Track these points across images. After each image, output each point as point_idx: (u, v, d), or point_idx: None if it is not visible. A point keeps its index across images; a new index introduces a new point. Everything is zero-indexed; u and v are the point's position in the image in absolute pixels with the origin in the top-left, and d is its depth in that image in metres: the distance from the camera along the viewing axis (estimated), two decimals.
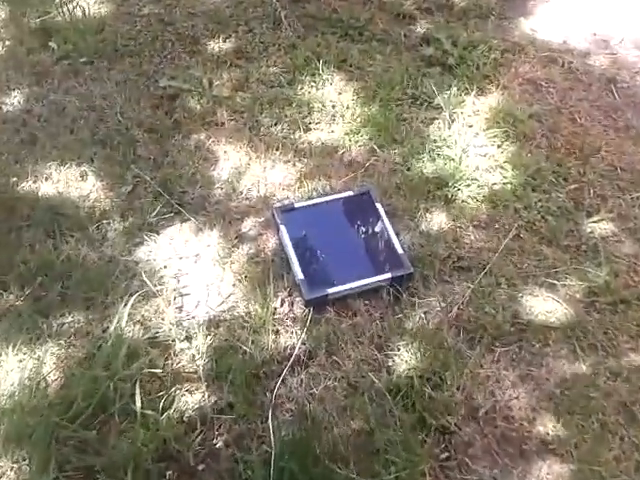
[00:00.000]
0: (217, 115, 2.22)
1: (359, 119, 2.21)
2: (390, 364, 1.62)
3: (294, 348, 1.65)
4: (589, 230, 1.91)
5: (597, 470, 1.44)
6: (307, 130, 2.19)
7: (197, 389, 1.57)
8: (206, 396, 1.56)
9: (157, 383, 1.56)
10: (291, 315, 1.74)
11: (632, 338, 1.67)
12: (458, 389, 1.56)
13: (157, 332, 1.66)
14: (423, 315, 1.72)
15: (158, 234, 1.89)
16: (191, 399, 1.55)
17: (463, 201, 1.99)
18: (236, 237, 1.89)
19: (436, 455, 1.46)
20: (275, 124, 2.19)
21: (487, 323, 1.69)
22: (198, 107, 2.26)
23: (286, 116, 2.21)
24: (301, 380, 1.60)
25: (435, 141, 2.15)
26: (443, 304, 1.74)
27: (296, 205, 1.88)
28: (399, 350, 1.64)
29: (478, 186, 2.02)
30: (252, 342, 1.65)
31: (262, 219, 1.94)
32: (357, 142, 2.16)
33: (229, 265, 1.83)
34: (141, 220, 1.92)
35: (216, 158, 2.11)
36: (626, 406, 1.54)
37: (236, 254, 1.85)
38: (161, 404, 1.50)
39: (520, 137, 2.16)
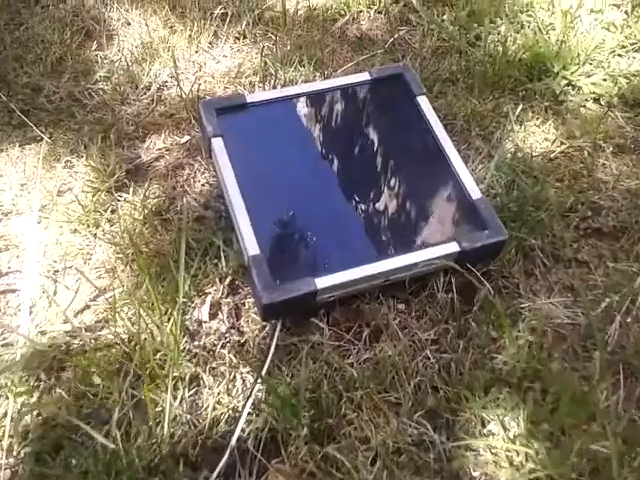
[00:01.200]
0: None
1: None
2: (464, 461, 0.67)
3: (235, 423, 0.69)
4: None
5: None
6: None
7: None
8: None
9: None
10: (232, 339, 0.77)
11: None
12: None
13: None
14: (533, 339, 0.76)
15: None
16: None
17: (583, 103, 1.02)
18: (126, 171, 0.91)
19: None
20: None
21: None
22: None
23: None
24: None
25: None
26: (574, 311, 0.78)
27: (249, 99, 0.88)
28: (484, 425, 0.69)
29: (607, 76, 1.05)
30: (127, 417, 0.69)
31: (185, 138, 0.97)
32: (373, 4, 1.17)
33: (104, 229, 0.86)
34: None
35: (108, 31, 1.12)
36: None
37: (121, 206, 0.88)
38: None
39: None
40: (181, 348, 0.74)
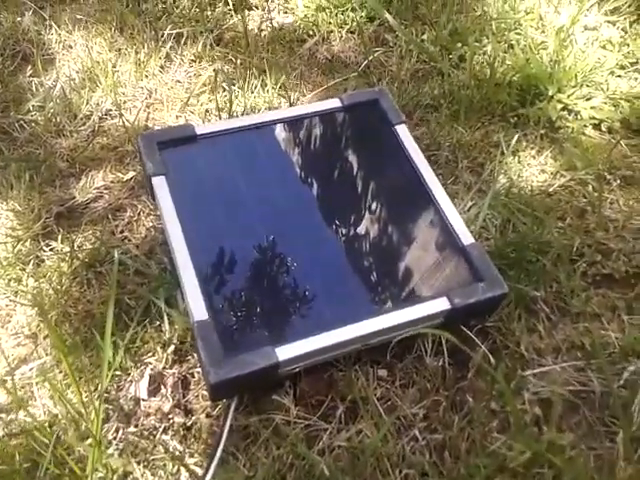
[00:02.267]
0: None
1: None
2: None
3: None
4: None
5: None
6: (242, 5, 1.09)
7: None
8: None
9: None
10: (177, 422, 0.63)
11: None
12: None
13: None
14: (541, 412, 0.63)
15: None
16: None
17: (581, 130, 0.91)
18: (56, 214, 0.77)
19: None
20: None
21: None
22: None
23: None
24: None
25: (505, 14, 1.06)
26: (593, 380, 0.65)
27: (198, 130, 0.75)
28: None
29: (607, 99, 0.94)
30: None
31: (129, 174, 0.83)
32: (344, 24, 1.06)
33: (26, 285, 0.71)
34: None
35: (48, 55, 1.00)
36: None
37: (47, 257, 0.74)
38: None
39: None
40: (109, 438, 0.60)
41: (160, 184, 0.69)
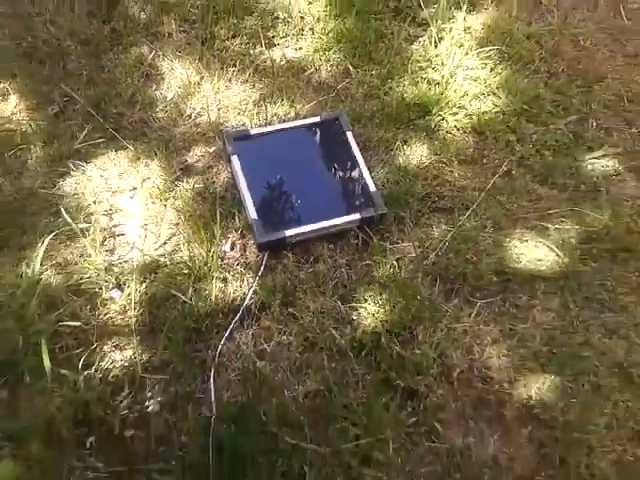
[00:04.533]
0: (164, 25, 1.88)
1: (332, 34, 1.89)
2: (355, 317, 1.40)
3: (244, 299, 1.42)
4: (590, 167, 1.67)
5: (585, 439, 1.26)
6: (270, 45, 1.87)
7: (127, 345, 1.34)
8: (138, 353, 1.33)
9: (79, 337, 1.33)
10: (242, 260, 1.49)
11: (633, 290, 1.46)
12: (431, 346, 1.35)
13: (81, 278, 1.41)
14: (395, 262, 1.49)
15: (87, 163, 1.61)
16: (120, 356, 1.33)
17: (448, 132, 1.72)
18: (180, 169, 1.61)
19: (402, 420, 1.27)
20: (232, 37, 1.87)
21: (468, 272, 1.47)
22: (142, 15, 1.91)
23: (245, 28, 1.89)
24: (251, 335, 1.38)
25: (419, 61, 1.85)
26: (419, 250, 1.51)
27: (252, 132, 1.59)
28: (366, 302, 1.42)
29: (466, 115, 1.75)
30: (195, 291, 1.41)
31: (212, 149, 1.66)
32: (328, 61, 1.85)
33: (171, 202, 1.56)
34: (68, 147, 1.62)
35: (161, 75, 1.80)
36: (622, 367, 1.35)
37: (180, 189, 1.58)
38: (81, 362, 1.27)
39: (516, 60, 1.87)
40: (216, 263, 1.46)
41: (235, 159, 1.53)
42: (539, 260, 1.50)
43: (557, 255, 1.51)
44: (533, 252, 1.51)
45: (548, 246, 1.52)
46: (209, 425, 1.23)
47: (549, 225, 1.55)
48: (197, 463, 1.19)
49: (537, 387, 1.33)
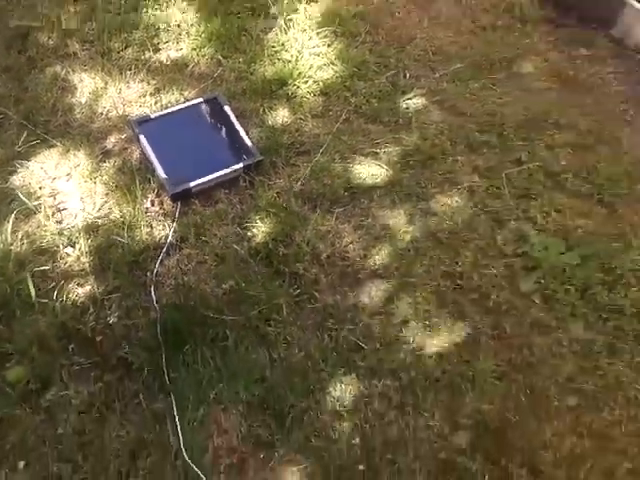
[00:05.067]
0: (69, 47, 2.35)
1: (204, 34, 2.42)
2: (250, 235, 1.96)
3: (167, 236, 1.95)
4: (405, 106, 2.30)
5: (411, 281, 1.88)
6: (156, 50, 2.38)
7: (86, 282, 1.84)
8: (94, 286, 1.83)
9: (49, 281, 1.82)
10: (161, 212, 2.01)
11: (439, 184, 2.10)
12: (304, 243, 1.93)
13: (42, 242, 1.89)
14: (275, 194, 2.06)
15: (28, 161, 2.08)
16: (82, 290, 1.83)
17: (302, 97, 2.30)
18: (102, 154, 2.11)
19: (290, 293, 1.85)
20: (125, 48, 2.37)
21: (326, 191, 2.06)
22: (50, 41, 2.37)
23: (135, 40, 2.39)
24: (176, 260, 1.91)
25: (274, 47, 2.41)
26: (289, 182, 2.09)
27: (152, 116, 2.11)
28: (256, 223, 1.98)
29: (314, 82, 2.33)
30: (129, 237, 1.93)
31: (124, 135, 2.16)
32: (204, 56, 2.39)
33: (99, 179, 2.06)
34: (12, 151, 2.09)
35: (73, 86, 2.27)
36: (435, 235, 1.99)
37: (104, 168, 2.08)
38: (55, 294, 1.77)
39: (347, 35, 2.48)
40: (142, 216, 1.97)
41: (142, 137, 2.05)
42: (374, 175, 2.11)
43: (386, 170, 2.12)
44: (369, 170, 2.13)
45: (379, 165, 2.13)
46: (156, 319, 1.76)
47: (378, 150, 2.17)
48: (151, 344, 1.72)
49: (380, 258, 1.94)
